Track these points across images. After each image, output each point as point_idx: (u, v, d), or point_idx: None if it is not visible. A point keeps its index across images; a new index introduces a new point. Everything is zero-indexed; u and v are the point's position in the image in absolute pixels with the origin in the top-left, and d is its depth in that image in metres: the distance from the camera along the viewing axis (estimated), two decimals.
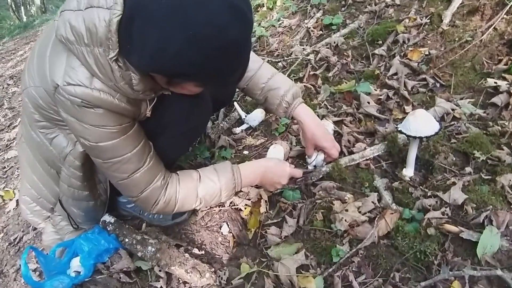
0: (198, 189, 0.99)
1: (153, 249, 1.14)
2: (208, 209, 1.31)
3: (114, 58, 0.73)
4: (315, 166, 1.28)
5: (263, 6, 2.57)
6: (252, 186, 1.27)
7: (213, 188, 1.00)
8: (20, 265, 1.39)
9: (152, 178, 0.94)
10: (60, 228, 1.23)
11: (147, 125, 0.95)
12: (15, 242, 1.56)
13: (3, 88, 3.37)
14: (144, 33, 0.67)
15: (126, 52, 0.73)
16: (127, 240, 1.20)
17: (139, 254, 1.16)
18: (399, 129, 1.14)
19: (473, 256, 0.97)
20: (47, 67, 0.80)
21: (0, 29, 6.15)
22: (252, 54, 1.16)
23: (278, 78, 1.17)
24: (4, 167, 2.13)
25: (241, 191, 1.27)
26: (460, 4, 1.80)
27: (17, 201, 1.76)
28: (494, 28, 1.63)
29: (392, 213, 1.09)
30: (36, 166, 1.10)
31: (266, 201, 1.24)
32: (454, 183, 1.14)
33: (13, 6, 6.87)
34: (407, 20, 1.87)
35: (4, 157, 2.23)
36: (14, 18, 6.78)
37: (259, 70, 1.17)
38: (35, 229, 1.56)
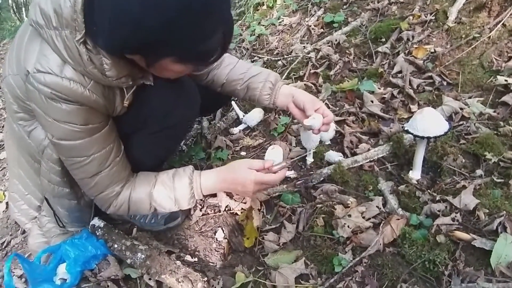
0: (152, 195, 0.95)
1: (143, 256, 1.07)
2: (202, 213, 1.25)
3: (81, 40, 0.69)
4: (311, 130, 1.08)
5: (263, 5, 2.52)
6: None
7: (167, 196, 0.96)
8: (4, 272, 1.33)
9: (112, 183, 0.92)
10: (46, 230, 1.18)
11: (125, 120, 0.90)
12: (3, 247, 1.49)
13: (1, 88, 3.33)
14: (102, 8, 0.63)
15: (93, 34, 0.68)
16: (116, 246, 1.13)
17: (129, 261, 1.09)
18: (405, 128, 1.07)
19: (487, 266, 0.90)
20: (22, 54, 0.77)
21: (1, 31, 6.13)
22: (229, 55, 1.14)
23: (256, 67, 1.14)
24: None
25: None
26: (466, 0, 1.74)
27: (6, 203, 1.70)
28: (502, 24, 1.56)
29: (398, 219, 1.02)
30: (21, 160, 1.06)
31: (259, 209, 1.16)
32: (464, 187, 1.07)
33: (14, 7, 6.87)
34: (411, 17, 1.81)
35: None
36: (15, 19, 6.77)
37: (237, 64, 1.13)
38: (23, 232, 1.50)
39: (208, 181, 0.99)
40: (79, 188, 1.05)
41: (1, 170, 2.06)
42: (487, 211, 1.00)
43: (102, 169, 0.88)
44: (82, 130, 0.80)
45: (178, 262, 1.05)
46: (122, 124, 0.93)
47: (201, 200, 1.29)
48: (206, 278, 1.00)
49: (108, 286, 1.08)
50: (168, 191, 0.95)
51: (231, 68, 1.12)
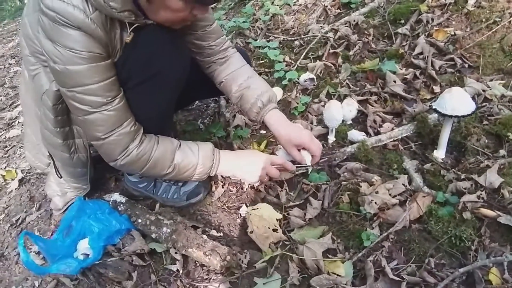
0: (175, 154, 0.95)
1: (169, 230, 1.07)
2: (224, 190, 1.25)
3: None
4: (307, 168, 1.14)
5: None
6: None
7: (190, 158, 0.96)
8: None
9: (120, 121, 0.89)
10: (58, 182, 1.21)
11: (116, 68, 0.90)
12: (17, 224, 1.48)
13: (5, 67, 3.28)
14: None
15: None
16: (140, 221, 1.14)
17: (153, 235, 1.09)
18: (433, 107, 1.07)
19: (511, 241, 0.92)
20: None
21: (0, 11, 5.99)
22: (239, 56, 1.14)
23: (257, 79, 1.13)
24: (6, 146, 2.05)
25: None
26: None
27: (19, 180, 1.69)
28: None
29: (424, 196, 1.03)
30: (31, 107, 1.07)
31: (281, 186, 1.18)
32: (488, 166, 1.08)
33: None
34: (430, 0, 1.79)
35: (5, 136, 2.15)
36: (15, 0, 6.61)
37: (240, 69, 1.12)
38: (38, 209, 1.49)
39: (226, 156, 1.01)
40: (72, 141, 1.06)
41: (11, 148, 2.04)
42: (511, 189, 1.01)
43: (106, 102, 0.85)
44: (83, 56, 0.80)
45: (205, 236, 1.06)
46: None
47: (222, 177, 1.29)
48: (233, 252, 1.01)
49: (133, 260, 1.09)
50: (191, 154, 0.96)
51: (233, 70, 1.12)
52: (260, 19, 2.10)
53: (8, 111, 2.46)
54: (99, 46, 0.82)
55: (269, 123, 1.07)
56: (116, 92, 0.89)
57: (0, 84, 2.94)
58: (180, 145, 0.98)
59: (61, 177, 1.17)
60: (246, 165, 1.03)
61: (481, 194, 1.00)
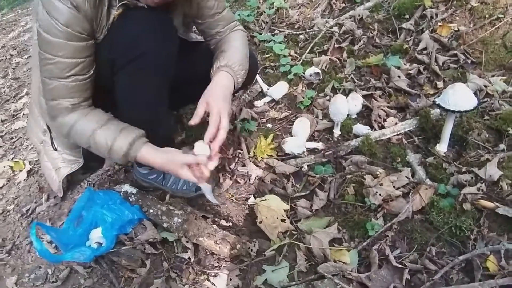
0: (95, 132, 0.96)
1: (180, 220, 1.11)
2: (232, 182, 1.28)
3: None
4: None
5: None
6: None
7: (106, 141, 0.96)
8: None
9: (66, 96, 0.94)
10: (52, 158, 1.23)
11: (101, 48, 0.94)
12: (28, 214, 1.51)
13: (6, 58, 3.25)
14: None
15: None
16: (151, 211, 1.17)
17: (165, 225, 1.13)
18: (437, 102, 1.10)
19: (508, 231, 0.97)
20: None
21: None
22: (237, 34, 1.13)
23: (237, 52, 1.08)
24: (12, 138, 2.07)
25: None
26: None
27: (27, 172, 1.71)
28: None
29: (426, 188, 1.07)
30: (37, 77, 1.08)
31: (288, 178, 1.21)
32: (488, 160, 1.12)
33: None
34: None
35: (11, 128, 2.16)
36: None
37: (231, 42, 1.11)
38: (48, 199, 1.52)
39: (144, 155, 0.97)
40: None
41: (17, 139, 2.06)
42: (510, 182, 1.06)
43: (61, 76, 0.91)
44: (61, 30, 0.85)
45: (215, 226, 1.10)
46: (98, 55, 0.96)
47: (230, 169, 1.33)
48: (243, 241, 1.05)
49: (145, 249, 1.13)
50: (109, 137, 0.96)
51: (234, 50, 1.08)
52: (264, 12, 2.10)
53: (12, 102, 2.46)
54: (83, 22, 0.86)
55: (213, 79, 1.03)
56: (78, 72, 0.92)
57: (3, 75, 2.93)
58: (103, 125, 0.97)
59: (56, 149, 1.19)
60: (162, 164, 0.98)
61: (480, 186, 1.05)
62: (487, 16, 1.64)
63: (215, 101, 0.97)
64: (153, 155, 0.98)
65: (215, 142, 0.95)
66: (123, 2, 0.90)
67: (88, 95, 0.99)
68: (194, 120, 0.98)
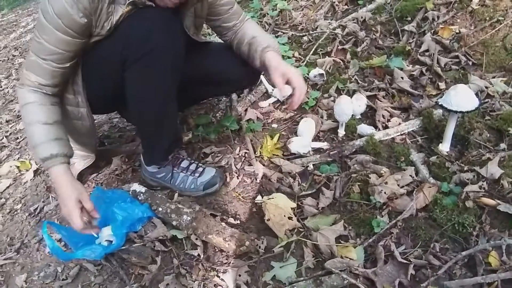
0: (34, 125, 1.00)
1: (189, 218, 1.13)
2: (239, 181, 1.31)
3: None
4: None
5: None
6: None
7: (34, 138, 1.01)
8: (42, 236, 1.38)
9: (35, 72, 0.99)
10: None
11: (107, 45, 0.99)
12: (35, 213, 1.53)
13: (9, 59, 3.26)
14: None
15: None
16: (160, 209, 1.19)
17: (174, 223, 1.15)
18: (439, 103, 1.13)
19: (509, 228, 0.99)
20: None
21: None
22: (249, 22, 1.24)
23: (263, 35, 1.20)
24: (17, 138, 2.08)
25: None
26: None
27: (34, 171, 1.73)
28: None
29: (430, 187, 1.10)
30: None
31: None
32: (489, 159, 1.15)
33: None
34: None
35: (16, 128, 2.18)
36: None
37: (249, 31, 1.20)
38: (55, 199, 1.54)
39: (54, 175, 1.01)
40: (77, 109, 1.13)
41: (22, 139, 2.07)
42: (511, 180, 1.08)
43: (39, 55, 0.98)
44: (51, 16, 0.90)
45: (224, 224, 1.12)
46: (107, 51, 1.00)
47: (237, 169, 1.35)
48: (251, 238, 1.08)
49: (155, 246, 1.15)
50: (40, 138, 1.00)
51: (243, 33, 1.19)
52: (267, 14, 2.13)
53: (16, 103, 2.48)
54: (78, 17, 0.90)
55: (267, 59, 1.11)
56: (55, 58, 0.98)
57: (6, 76, 2.94)
58: (52, 123, 1.01)
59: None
60: (60, 196, 1.02)
61: (482, 185, 1.08)
62: (487, 18, 1.67)
63: (287, 68, 1.09)
64: (60, 177, 1.00)
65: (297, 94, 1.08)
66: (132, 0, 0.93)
67: (56, 83, 1.03)
68: (286, 91, 1.11)
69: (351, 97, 1.36)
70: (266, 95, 1.64)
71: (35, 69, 0.99)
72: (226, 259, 1.09)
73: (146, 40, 0.96)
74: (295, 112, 1.51)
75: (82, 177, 1.42)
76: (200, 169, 1.28)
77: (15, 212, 1.54)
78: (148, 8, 0.97)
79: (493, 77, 1.46)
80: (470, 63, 1.53)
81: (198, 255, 1.10)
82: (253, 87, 1.65)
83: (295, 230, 1.10)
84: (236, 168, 1.35)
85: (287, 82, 1.08)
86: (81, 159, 1.28)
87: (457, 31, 1.66)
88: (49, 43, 0.95)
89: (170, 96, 1.13)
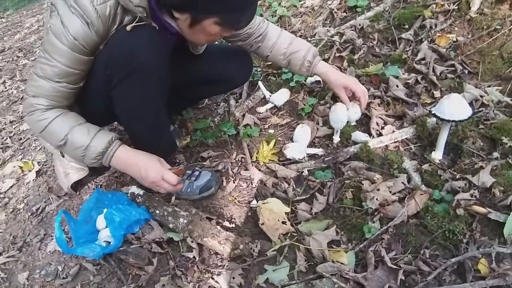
0: (73, 129, 1.00)
1: (185, 221, 1.16)
2: (235, 185, 1.33)
3: None
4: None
5: None
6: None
7: (83, 138, 1.00)
8: (44, 234, 1.42)
9: (47, 97, 0.98)
10: (63, 164, 1.25)
11: (98, 61, 0.98)
12: (38, 212, 1.57)
13: (13, 60, 3.31)
14: None
15: None
16: (157, 212, 1.22)
17: (171, 225, 1.18)
18: (432, 112, 1.15)
19: (499, 236, 1.00)
20: None
21: (3, 1, 5.96)
22: (273, 26, 1.30)
23: (297, 42, 1.30)
24: (21, 139, 2.12)
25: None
26: None
27: (36, 172, 1.76)
28: None
29: (421, 194, 1.11)
30: None
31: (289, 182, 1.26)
32: (482, 167, 1.16)
33: None
34: (434, 6, 1.85)
35: (19, 129, 2.22)
36: None
37: (279, 38, 1.28)
38: (57, 199, 1.57)
39: (123, 153, 1.04)
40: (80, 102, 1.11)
41: (25, 140, 2.11)
42: (502, 188, 1.09)
43: (53, 79, 0.96)
44: (68, 39, 0.90)
45: (219, 227, 1.15)
46: (94, 70, 1.00)
47: (233, 173, 1.38)
48: (246, 241, 1.10)
49: (152, 248, 1.18)
50: (87, 136, 1.00)
51: (273, 42, 1.28)
52: (267, 20, 2.16)
53: (20, 104, 2.52)
54: (91, 38, 0.91)
55: (319, 73, 1.30)
56: (71, 81, 0.98)
57: (10, 77, 2.99)
58: (81, 124, 1.02)
59: (63, 156, 1.23)
60: (142, 165, 1.05)
61: (474, 193, 1.09)
62: (485, 27, 1.68)
63: (345, 79, 1.27)
64: (128, 153, 1.05)
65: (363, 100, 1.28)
66: (139, 23, 0.93)
67: (68, 104, 1.04)
68: (349, 103, 1.30)
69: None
70: (264, 101, 1.67)
71: (47, 93, 0.97)
72: (221, 261, 1.11)
73: (129, 58, 0.95)
74: (292, 118, 1.54)
75: (82, 179, 1.45)
76: (196, 173, 1.31)
77: (18, 212, 1.58)
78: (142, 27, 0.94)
79: (489, 86, 1.47)
80: (466, 71, 1.55)
81: (194, 257, 1.12)
82: (241, 84, 1.68)
83: (289, 235, 1.12)
84: (233, 172, 1.38)
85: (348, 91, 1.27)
86: (76, 171, 1.26)
87: (454, 40, 1.68)
88: (65, 65, 0.94)
89: (160, 109, 1.16)
